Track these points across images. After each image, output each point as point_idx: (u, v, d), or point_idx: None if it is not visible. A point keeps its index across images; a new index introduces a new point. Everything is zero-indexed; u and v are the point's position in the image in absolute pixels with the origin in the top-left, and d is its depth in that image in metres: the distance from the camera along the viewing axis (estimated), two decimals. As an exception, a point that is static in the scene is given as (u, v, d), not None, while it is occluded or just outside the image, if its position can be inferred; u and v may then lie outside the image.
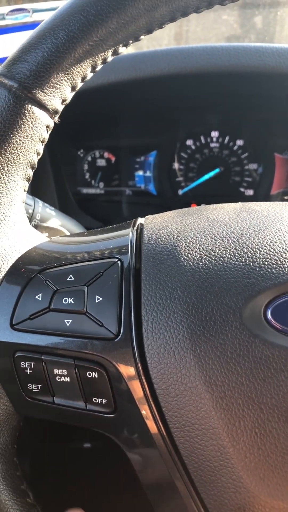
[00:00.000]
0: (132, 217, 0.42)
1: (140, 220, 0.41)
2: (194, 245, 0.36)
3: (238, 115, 0.85)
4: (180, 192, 0.89)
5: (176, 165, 0.89)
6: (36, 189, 0.81)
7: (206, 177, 0.88)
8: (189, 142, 0.88)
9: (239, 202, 0.44)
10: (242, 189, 0.89)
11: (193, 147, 0.88)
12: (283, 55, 0.62)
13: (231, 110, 0.84)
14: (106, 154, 0.89)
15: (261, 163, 0.88)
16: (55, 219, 0.51)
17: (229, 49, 0.62)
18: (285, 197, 0.90)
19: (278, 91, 0.72)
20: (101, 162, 0.89)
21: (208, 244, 0.36)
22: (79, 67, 0.36)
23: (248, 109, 0.83)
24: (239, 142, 0.88)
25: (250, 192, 0.89)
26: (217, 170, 0.88)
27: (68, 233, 0.53)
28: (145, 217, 0.42)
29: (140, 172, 0.89)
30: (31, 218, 0.49)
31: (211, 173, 0.88)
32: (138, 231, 0.39)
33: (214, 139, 0.88)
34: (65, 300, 0.35)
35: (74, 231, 0.54)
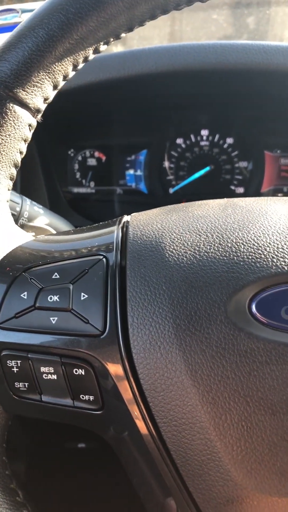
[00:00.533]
0: (123, 215, 0.43)
1: (126, 218, 0.41)
2: (179, 241, 0.36)
3: (228, 113, 0.86)
4: (171, 190, 0.90)
5: (166, 164, 0.89)
6: (26, 188, 0.81)
7: (196, 175, 0.88)
8: (179, 140, 0.88)
9: (225, 198, 0.44)
10: (232, 187, 0.89)
11: (183, 145, 0.88)
12: (269, 52, 0.62)
13: (220, 108, 0.84)
14: (96, 154, 0.89)
15: (251, 161, 0.88)
16: (43, 217, 0.51)
17: (216, 47, 0.63)
18: (279, 194, 0.90)
19: (266, 89, 0.73)
20: (92, 162, 0.89)
21: (192, 240, 0.36)
22: (60, 65, 0.36)
23: (238, 107, 0.83)
24: (229, 140, 0.88)
25: (240, 190, 0.89)
26: (207, 168, 0.88)
27: (55, 232, 0.53)
28: (131, 214, 0.42)
29: (131, 171, 0.90)
30: (18, 216, 0.49)
31: (202, 171, 0.88)
32: (124, 229, 0.39)
33: (204, 138, 0.88)
34: (51, 298, 0.35)
35: (62, 229, 0.55)
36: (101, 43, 0.37)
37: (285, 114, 0.82)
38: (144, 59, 0.62)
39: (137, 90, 0.70)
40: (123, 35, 0.38)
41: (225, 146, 0.88)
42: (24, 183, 0.79)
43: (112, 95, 0.71)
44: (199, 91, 0.74)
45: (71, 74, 0.38)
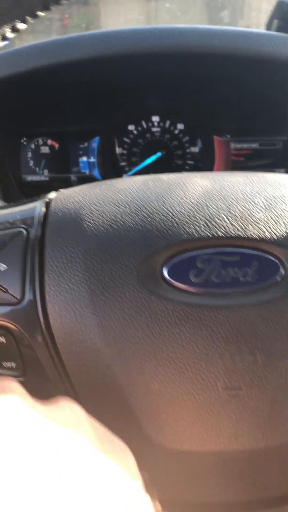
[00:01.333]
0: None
1: (52, 194, 0.42)
2: (97, 212, 0.38)
3: (177, 99, 0.87)
4: (125, 176, 0.91)
5: (119, 150, 0.90)
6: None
7: (148, 161, 0.89)
8: (130, 127, 0.89)
9: (151, 174, 0.45)
10: (184, 172, 0.91)
11: (135, 132, 0.89)
12: (205, 35, 0.64)
13: (169, 94, 0.85)
14: (49, 141, 0.89)
15: (201, 146, 0.90)
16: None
17: (153, 31, 0.64)
18: None
19: (208, 73, 0.74)
20: (45, 149, 0.90)
21: (110, 211, 0.37)
22: (-25, 42, 0.37)
23: (186, 93, 0.84)
24: (180, 126, 0.89)
25: (192, 174, 0.91)
26: (158, 154, 0.89)
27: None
28: (58, 190, 0.43)
29: (84, 158, 0.91)
30: None
31: (153, 157, 0.89)
32: (48, 203, 0.40)
33: (156, 124, 0.89)
34: None
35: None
36: (17, 21, 0.38)
37: (232, 99, 0.84)
38: (82, 44, 0.63)
39: (80, 76, 0.71)
40: (40, 13, 0.39)
41: (176, 132, 0.90)
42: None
43: (56, 81, 0.72)
44: (145, 77, 0.75)
45: (-10, 51, 0.39)
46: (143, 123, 0.89)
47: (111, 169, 0.91)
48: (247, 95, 0.84)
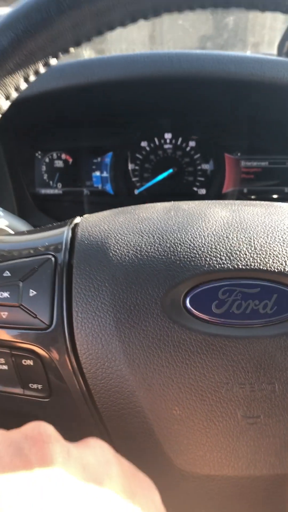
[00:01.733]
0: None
1: (77, 219, 0.44)
2: (123, 241, 0.39)
3: (190, 117, 0.89)
4: (136, 191, 0.93)
5: (131, 166, 0.92)
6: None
7: (160, 177, 0.91)
8: (143, 143, 0.91)
9: (171, 202, 0.47)
10: (195, 188, 0.93)
11: (147, 148, 0.91)
12: (221, 61, 0.66)
13: (182, 113, 0.87)
14: (63, 156, 0.91)
15: (212, 163, 0.92)
16: (2, 219, 0.53)
17: (171, 56, 0.66)
18: (252, 196, 0.93)
19: (221, 96, 0.76)
20: (59, 163, 0.91)
21: (135, 240, 0.39)
22: (11, 78, 0.38)
23: (199, 112, 0.86)
24: (191, 144, 0.91)
25: (202, 191, 0.93)
26: (170, 171, 0.91)
27: (13, 233, 0.56)
28: (83, 216, 0.45)
29: (97, 173, 0.92)
30: (-21, 219, 0.52)
31: (165, 174, 0.91)
32: (74, 229, 0.42)
33: (168, 141, 0.91)
34: (1, 294, 0.38)
35: (20, 230, 0.57)
36: (50, 57, 0.40)
37: (243, 120, 0.85)
38: (103, 68, 0.65)
39: (99, 96, 0.73)
40: (72, 49, 0.41)
41: (188, 149, 0.92)
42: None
43: (75, 101, 0.74)
44: (159, 98, 0.77)
45: (23, 85, 0.40)
46: (156, 140, 0.91)
47: (123, 184, 0.92)
48: (257, 116, 0.86)
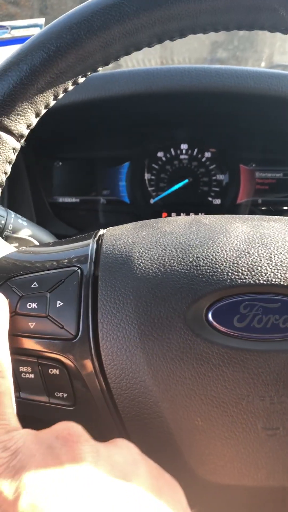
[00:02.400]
0: (106, 224, 0.47)
1: (101, 232, 0.45)
2: (146, 255, 0.40)
3: (206, 129, 0.90)
4: (152, 201, 0.94)
5: (147, 176, 0.93)
6: (13, 200, 0.84)
7: (175, 187, 0.92)
8: (160, 154, 0.93)
9: (192, 215, 0.48)
10: (210, 199, 0.94)
11: (163, 158, 0.93)
12: (241, 76, 0.67)
13: (199, 125, 0.89)
14: (81, 165, 0.93)
15: (227, 174, 0.93)
16: (26, 229, 0.55)
17: (190, 71, 0.67)
18: (262, 207, 0.94)
19: (239, 109, 0.77)
20: (77, 172, 0.93)
21: (158, 254, 0.40)
22: (41, 96, 0.40)
23: (215, 124, 0.88)
24: (207, 154, 0.93)
25: (217, 201, 0.94)
26: (186, 181, 0.92)
27: (37, 243, 0.57)
28: (106, 228, 0.46)
29: (114, 182, 0.94)
30: (3, 228, 0.53)
31: (180, 184, 0.92)
32: (98, 242, 0.43)
33: (184, 151, 0.93)
34: (29, 305, 0.39)
35: (44, 240, 0.59)
36: (79, 76, 0.41)
37: (258, 132, 0.87)
38: (125, 81, 0.67)
39: (119, 108, 0.75)
40: (100, 68, 0.42)
41: (203, 159, 0.93)
42: (12, 195, 0.83)
43: (94, 113, 0.76)
44: (178, 110, 0.79)
45: (52, 103, 0.42)
46: (172, 151, 0.92)
47: (139, 193, 0.94)
48: (273, 129, 0.87)
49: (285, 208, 0.95)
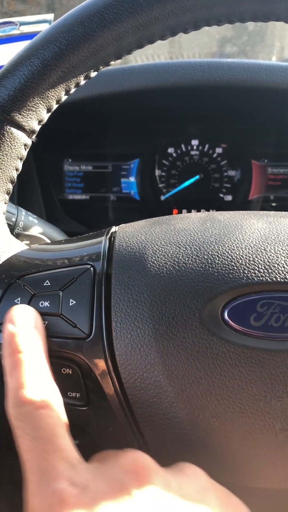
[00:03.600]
0: (116, 221, 0.46)
1: (114, 229, 0.45)
2: (160, 252, 0.40)
3: (217, 124, 0.89)
4: (162, 197, 0.93)
5: (158, 172, 0.93)
6: (23, 197, 0.84)
7: (186, 183, 0.92)
8: (170, 150, 0.92)
9: (206, 212, 0.47)
10: (221, 195, 0.93)
11: (174, 154, 0.92)
12: (253, 70, 0.66)
13: (210, 120, 0.87)
14: (91, 162, 0.92)
15: (239, 170, 0.92)
16: (37, 227, 0.54)
17: (202, 65, 0.66)
18: (273, 204, 0.93)
19: (252, 104, 0.76)
20: (87, 169, 0.92)
21: (172, 252, 0.39)
22: (53, 91, 0.39)
23: (226, 119, 0.87)
24: (218, 150, 0.92)
25: (229, 197, 0.93)
26: (197, 177, 0.91)
27: (48, 240, 0.57)
28: (118, 226, 0.46)
29: (124, 179, 0.93)
30: (14, 226, 0.53)
31: (191, 180, 0.91)
32: (111, 239, 0.43)
33: (195, 147, 0.92)
34: (42, 304, 0.38)
35: (55, 238, 0.58)
36: (91, 70, 0.40)
37: (270, 127, 0.85)
38: (135, 76, 0.66)
39: (129, 104, 0.74)
40: (112, 62, 0.41)
41: (215, 155, 0.92)
42: (22, 192, 0.82)
43: (104, 109, 0.75)
44: (188, 105, 0.78)
45: (64, 98, 0.41)
46: (183, 146, 0.91)
47: (150, 190, 0.93)
48: (284, 123, 0.86)
49: (297, 204, 0.93)
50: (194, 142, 0.91)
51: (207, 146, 0.91)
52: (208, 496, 0.29)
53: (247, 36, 2.41)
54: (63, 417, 0.32)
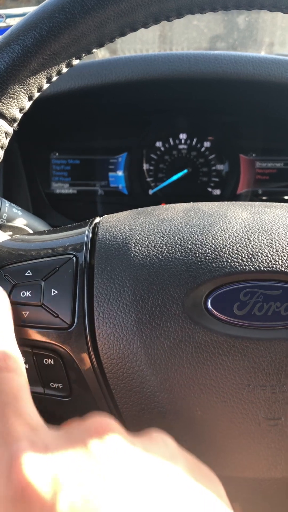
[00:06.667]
0: (104, 215, 0.46)
1: (97, 219, 0.44)
2: (144, 242, 0.39)
3: (205, 118, 0.89)
4: (150, 192, 0.93)
5: (146, 166, 0.92)
6: (9, 191, 0.83)
7: (175, 177, 0.91)
8: (158, 144, 0.91)
9: (191, 202, 0.47)
10: (209, 189, 0.93)
11: (162, 148, 0.91)
12: (240, 62, 0.66)
13: (198, 113, 0.87)
14: (78, 156, 0.92)
15: (227, 164, 0.91)
16: (21, 218, 0.54)
17: (189, 57, 0.66)
18: (263, 198, 0.93)
19: (239, 96, 0.76)
20: (74, 163, 0.92)
21: (156, 241, 0.39)
22: (34, 78, 0.39)
23: (214, 112, 0.86)
24: (206, 144, 0.91)
25: (217, 191, 0.93)
26: (185, 171, 0.91)
27: (31, 232, 0.56)
28: (103, 216, 0.45)
29: (112, 173, 0.93)
30: (-3, 218, 0.52)
31: (180, 174, 0.91)
32: (94, 229, 0.42)
33: (183, 141, 0.91)
34: (23, 294, 0.38)
35: (39, 229, 0.57)
36: (73, 58, 0.40)
37: (258, 120, 0.85)
38: (121, 67, 0.65)
39: (115, 96, 0.73)
40: (94, 50, 0.41)
41: (203, 149, 0.91)
42: (8, 186, 0.81)
43: (91, 101, 0.74)
44: (176, 98, 0.77)
45: (46, 86, 0.40)
46: (171, 140, 0.91)
47: (138, 184, 0.93)
48: (273, 117, 0.86)
49: (286, 198, 0.93)
50: (182, 136, 0.91)
51: (195, 140, 0.91)
52: (176, 463, 0.28)
53: (237, 33, 2.41)
54: (25, 382, 0.31)
